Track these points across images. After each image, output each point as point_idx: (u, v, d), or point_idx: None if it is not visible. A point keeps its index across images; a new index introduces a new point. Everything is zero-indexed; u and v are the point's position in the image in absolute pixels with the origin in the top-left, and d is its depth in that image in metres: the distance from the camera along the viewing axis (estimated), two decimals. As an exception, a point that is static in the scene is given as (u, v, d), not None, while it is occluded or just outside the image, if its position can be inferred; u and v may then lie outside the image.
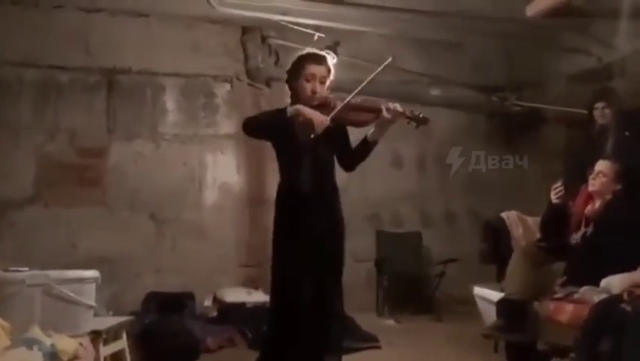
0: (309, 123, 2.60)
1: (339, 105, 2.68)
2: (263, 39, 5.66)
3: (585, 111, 4.09)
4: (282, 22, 5.16)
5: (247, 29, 5.61)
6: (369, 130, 2.77)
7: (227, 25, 5.51)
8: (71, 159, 5.11)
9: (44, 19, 5.04)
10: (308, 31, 5.07)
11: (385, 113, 2.65)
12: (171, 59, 5.37)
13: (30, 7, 5.01)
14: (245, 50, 5.62)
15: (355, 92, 2.71)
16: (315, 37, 4.90)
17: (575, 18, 4.49)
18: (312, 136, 2.61)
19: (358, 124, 2.74)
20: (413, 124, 2.72)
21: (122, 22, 5.25)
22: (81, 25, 5.15)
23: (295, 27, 5.14)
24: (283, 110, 2.74)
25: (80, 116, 5.16)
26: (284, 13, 5.01)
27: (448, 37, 5.65)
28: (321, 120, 2.60)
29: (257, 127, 2.79)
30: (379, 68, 2.74)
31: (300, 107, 2.65)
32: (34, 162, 5.02)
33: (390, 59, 2.74)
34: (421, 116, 2.72)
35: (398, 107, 2.68)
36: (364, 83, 2.72)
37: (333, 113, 2.64)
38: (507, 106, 6.17)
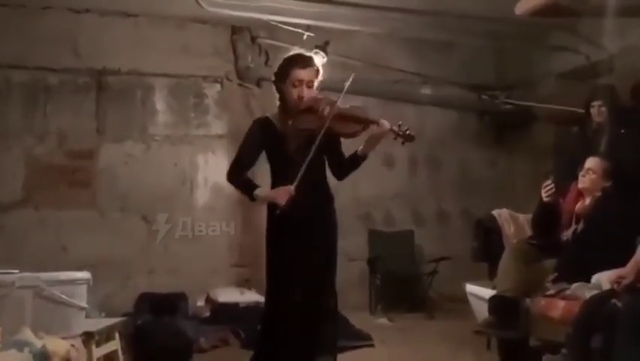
0: (273, 204, 2.65)
1: (328, 115, 2.63)
2: (253, 39, 5.66)
3: (578, 109, 4.11)
4: (272, 22, 5.16)
5: (237, 29, 5.60)
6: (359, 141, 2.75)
7: (217, 26, 5.51)
8: (61, 162, 5.10)
9: (32, 20, 5.01)
10: (298, 30, 5.07)
11: (374, 130, 2.65)
12: (160, 59, 5.35)
13: (18, 8, 4.98)
14: (234, 50, 5.62)
15: (338, 101, 2.67)
16: (305, 37, 4.90)
17: (563, 16, 4.51)
18: (278, 212, 2.63)
19: (348, 136, 2.71)
20: (400, 140, 2.72)
21: (111, 23, 5.23)
22: (70, 26, 5.13)
23: (285, 27, 5.14)
24: (268, 126, 2.73)
25: (70, 118, 5.14)
26: (274, 12, 5.01)
27: (438, 37, 5.67)
28: (283, 198, 2.61)
29: (239, 182, 2.78)
30: (346, 85, 2.69)
31: (262, 195, 2.69)
32: (23, 164, 5.00)
33: (353, 76, 2.71)
34: (408, 133, 2.71)
35: (386, 124, 2.67)
36: (340, 96, 2.67)
37: (297, 181, 2.60)
38: (497, 105, 6.19)
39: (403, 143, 2.73)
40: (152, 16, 5.31)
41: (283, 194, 2.61)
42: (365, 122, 2.66)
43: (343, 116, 2.67)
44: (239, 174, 2.76)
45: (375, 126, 2.65)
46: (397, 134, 2.69)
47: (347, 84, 2.67)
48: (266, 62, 5.67)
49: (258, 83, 5.62)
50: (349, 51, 5.23)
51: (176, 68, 5.41)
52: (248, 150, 2.75)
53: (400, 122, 2.72)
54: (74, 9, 5.11)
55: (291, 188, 2.60)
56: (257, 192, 2.70)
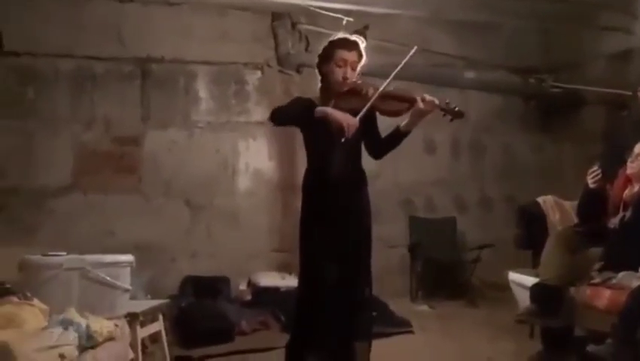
0: (339, 128, 2.57)
1: (372, 95, 2.63)
2: (293, 25, 5.64)
3: (627, 92, 3.96)
4: (312, 8, 5.14)
5: (277, 15, 5.60)
6: (402, 119, 2.73)
7: (257, 12, 5.52)
8: (108, 148, 5.22)
9: (78, 10, 5.13)
10: (338, 15, 5.02)
11: (420, 105, 2.61)
12: (202, 47, 5.40)
13: (65, -1, 5.11)
14: (275, 37, 5.62)
15: (386, 82, 2.67)
16: (344, 22, 4.85)
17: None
18: (344, 140, 2.56)
19: (392, 114, 2.70)
20: (448, 117, 2.68)
21: (154, 12, 5.30)
22: (114, 15, 5.22)
23: (325, 12, 5.10)
24: (311, 101, 2.74)
25: (116, 106, 5.26)
26: (314, -2, 4.98)
27: (482, 18, 5.51)
28: (351, 123, 2.56)
29: (284, 118, 2.79)
30: (406, 58, 2.69)
31: (328, 110, 2.61)
32: (71, 151, 5.14)
33: (415, 48, 2.69)
34: (456, 109, 2.67)
35: (435, 99, 2.64)
36: (394, 73, 2.67)
37: (362, 112, 2.59)
38: (544, 88, 6.01)
39: (451, 120, 2.70)
40: (194, 4, 5.36)
41: (350, 119, 2.55)
42: (411, 101, 2.64)
43: (388, 96, 2.67)
44: (284, 115, 2.74)
45: (421, 102, 2.62)
46: (445, 111, 2.66)
47: (408, 57, 2.67)
48: (306, 48, 5.65)
49: (298, 70, 5.61)
50: (391, 35, 5.14)
51: (217, 56, 5.45)
52: (293, 107, 2.75)
53: (448, 100, 2.69)
54: (118, -2, 5.21)
55: (356, 119, 2.57)
56: (320, 108, 2.62)
